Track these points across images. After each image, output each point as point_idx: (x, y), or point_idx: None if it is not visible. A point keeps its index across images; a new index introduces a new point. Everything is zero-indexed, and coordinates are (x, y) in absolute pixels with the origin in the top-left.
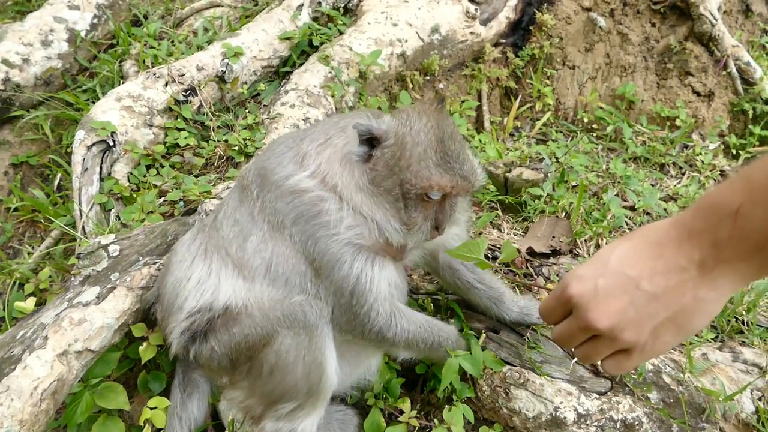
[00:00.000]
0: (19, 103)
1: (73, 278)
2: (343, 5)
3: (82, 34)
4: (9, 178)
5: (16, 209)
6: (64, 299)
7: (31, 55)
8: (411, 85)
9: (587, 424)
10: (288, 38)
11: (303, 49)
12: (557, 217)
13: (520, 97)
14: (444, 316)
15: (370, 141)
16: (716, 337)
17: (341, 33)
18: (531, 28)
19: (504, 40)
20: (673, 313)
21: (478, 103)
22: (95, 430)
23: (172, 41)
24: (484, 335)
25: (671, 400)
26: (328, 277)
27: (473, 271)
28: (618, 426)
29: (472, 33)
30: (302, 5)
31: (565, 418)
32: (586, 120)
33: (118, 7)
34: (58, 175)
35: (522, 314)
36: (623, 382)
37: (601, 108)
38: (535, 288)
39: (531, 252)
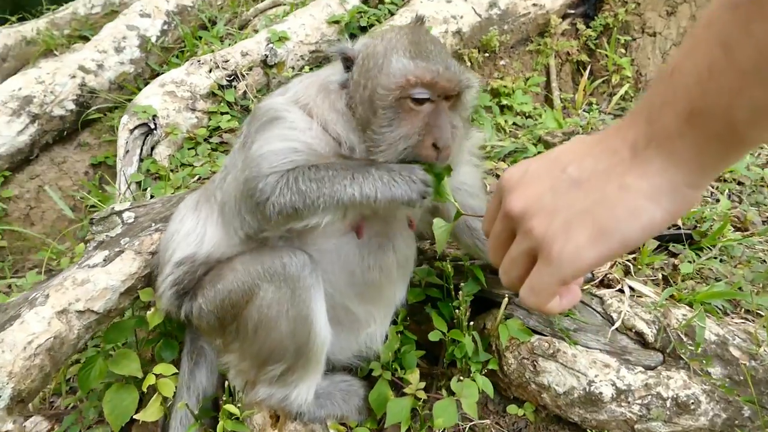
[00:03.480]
0: (96, 106)
1: (87, 244)
2: None
3: (153, 39)
4: (89, 177)
5: (93, 206)
6: (77, 264)
7: (105, 61)
8: (469, 63)
9: (629, 402)
10: (336, 22)
11: (352, 32)
12: None
13: (589, 69)
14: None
15: (348, 66)
16: None
17: (392, 14)
18: None
19: (572, 11)
20: (592, 202)
21: (545, 79)
22: (108, 397)
23: (235, 41)
24: (505, 300)
25: (740, 377)
26: None
27: None
28: (668, 404)
29: (534, 5)
30: None
31: (601, 393)
32: None
33: (187, 14)
34: None
35: None
36: (677, 355)
37: None
38: None
39: None
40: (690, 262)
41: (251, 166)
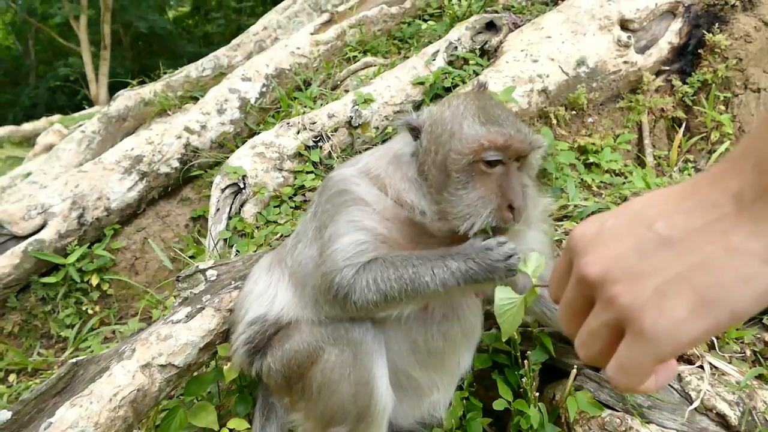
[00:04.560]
0: (197, 164)
1: (174, 300)
2: (479, 47)
3: (252, 101)
4: (189, 230)
5: (192, 256)
6: (164, 319)
7: (208, 122)
8: (555, 121)
9: None
10: (421, 83)
11: (437, 92)
12: None
13: (685, 125)
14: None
15: (416, 135)
16: None
17: (477, 74)
18: (700, 51)
19: (667, 68)
20: (690, 266)
21: (637, 137)
22: None
23: (327, 101)
24: (574, 371)
25: None
26: None
27: None
28: None
29: (625, 62)
30: (437, 51)
31: None
32: None
33: (285, 76)
34: None
35: None
36: None
37: None
38: None
39: None
40: None
41: (326, 261)
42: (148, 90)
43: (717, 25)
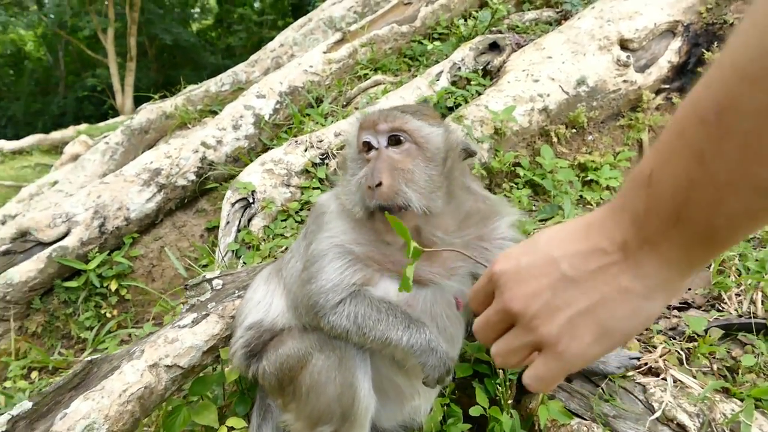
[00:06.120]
0: (213, 177)
1: (183, 306)
2: (482, 68)
3: (266, 117)
4: (204, 239)
5: (205, 265)
6: (171, 324)
7: (224, 137)
8: (556, 139)
9: None
10: (424, 101)
11: (440, 111)
12: None
13: None
14: None
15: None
16: None
17: (479, 94)
18: (700, 69)
19: (667, 86)
20: (593, 303)
21: (636, 154)
22: None
23: (338, 118)
24: None
25: None
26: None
27: None
28: None
29: (625, 81)
30: (441, 72)
31: None
32: None
33: (297, 94)
34: None
35: (596, 362)
36: None
37: None
38: None
39: None
40: (757, 354)
41: (312, 279)
42: (169, 104)
43: (716, 43)
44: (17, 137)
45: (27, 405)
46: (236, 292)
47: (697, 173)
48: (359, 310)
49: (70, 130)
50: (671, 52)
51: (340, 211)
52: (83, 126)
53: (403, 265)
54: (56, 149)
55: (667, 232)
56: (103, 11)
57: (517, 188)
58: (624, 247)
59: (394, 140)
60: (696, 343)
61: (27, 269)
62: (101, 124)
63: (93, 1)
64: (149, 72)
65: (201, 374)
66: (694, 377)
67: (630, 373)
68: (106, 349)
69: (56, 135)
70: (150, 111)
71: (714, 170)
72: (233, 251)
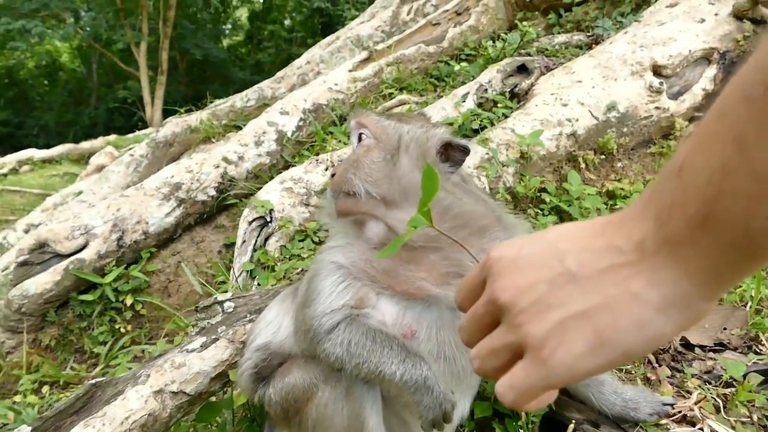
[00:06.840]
0: (233, 193)
1: (193, 329)
2: (509, 90)
3: (288, 134)
4: (221, 256)
5: (222, 282)
6: (180, 347)
7: (245, 153)
8: (584, 165)
9: None
10: (450, 124)
11: (465, 133)
12: (734, 306)
13: None
14: None
15: None
16: None
17: (506, 117)
18: None
19: (701, 114)
20: (593, 306)
21: None
22: None
23: None
24: (572, 425)
25: None
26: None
27: None
28: None
29: (657, 108)
30: (467, 93)
31: None
32: None
33: (321, 111)
34: None
35: (627, 408)
36: None
37: None
38: (653, 377)
39: (685, 344)
40: None
41: (309, 302)
42: (195, 118)
43: None
44: (48, 146)
45: (26, 430)
46: (248, 315)
47: (735, 161)
48: (353, 337)
49: (100, 141)
50: (706, 80)
51: (340, 228)
52: (112, 137)
53: (395, 276)
54: (85, 159)
55: (692, 232)
56: (137, 26)
57: (543, 215)
58: (641, 247)
59: (359, 137)
60: (733, 389)
61: (43, 281)
62: (129, 135)
63: (128, 16)
64: (179, 86)
65: (213, 398)
66: (733, 429)
67: (663, 421)
68: (119, 365)
69: (86, 145)
70: (175, 124)
71: (755, 157)
72: (248, 271)
